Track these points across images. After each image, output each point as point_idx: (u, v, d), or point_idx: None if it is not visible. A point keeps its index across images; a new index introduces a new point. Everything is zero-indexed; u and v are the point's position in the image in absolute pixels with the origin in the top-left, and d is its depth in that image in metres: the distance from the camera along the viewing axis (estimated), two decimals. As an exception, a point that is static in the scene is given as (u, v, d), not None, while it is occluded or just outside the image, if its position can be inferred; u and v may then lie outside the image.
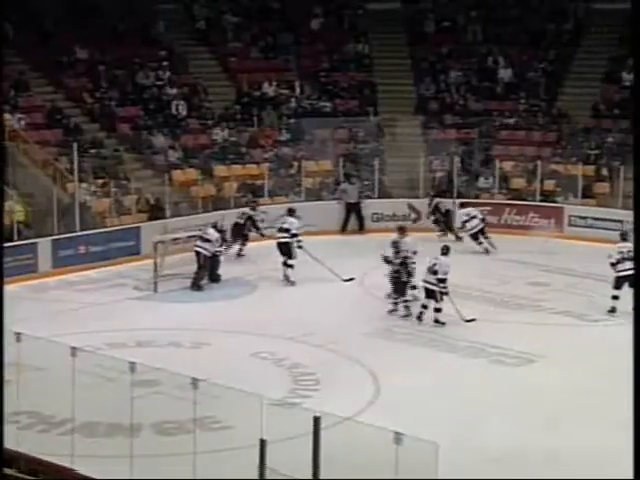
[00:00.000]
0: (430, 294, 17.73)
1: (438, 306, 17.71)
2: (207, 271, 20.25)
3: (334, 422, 10.37)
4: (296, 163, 26.51)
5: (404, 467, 9.18)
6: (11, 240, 21.03)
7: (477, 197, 26.17)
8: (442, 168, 27.06)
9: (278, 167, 26.65)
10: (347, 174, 25.79)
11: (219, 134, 27.08)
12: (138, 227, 22.74)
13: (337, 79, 29.54)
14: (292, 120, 28.05)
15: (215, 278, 20.49)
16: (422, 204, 25.37)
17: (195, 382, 10.69)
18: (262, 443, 9.36)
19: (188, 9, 30.52)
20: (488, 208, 25.29)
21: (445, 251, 17.97)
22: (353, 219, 25.25)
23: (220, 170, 25.99)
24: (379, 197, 25.95)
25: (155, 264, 20.34)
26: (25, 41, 27.04)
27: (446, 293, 17.68)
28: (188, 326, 17.66)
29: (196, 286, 20.02)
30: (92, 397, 12.92)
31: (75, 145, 22.95)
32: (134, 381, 11.35)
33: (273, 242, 23.43)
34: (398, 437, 9.06)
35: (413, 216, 25.52)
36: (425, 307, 17.80)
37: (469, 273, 20.89)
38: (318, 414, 9.10)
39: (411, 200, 25.64)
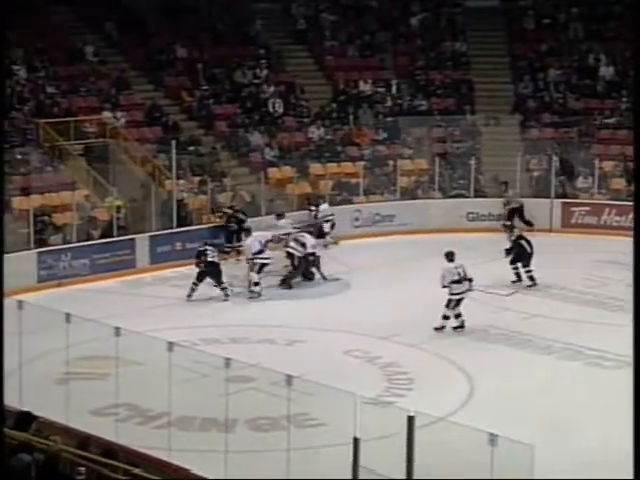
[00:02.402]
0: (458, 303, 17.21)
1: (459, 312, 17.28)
2: (301, 272, 20.40)
3: (428, 422, 10.34)
4: (391, 162, 26.47)
5: (499, 469, 9.10)
6: (110, 236, 21.50)
7: (576, 197, 25.78)
8: (539, 167, 26.73)
9: (373, 166, 26.65)
10: (506, 182, 25.57)
11: (315, 132, 27.19)
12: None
13: (434, 77, 29.40)
14: (388, 119, 28.01)
15: (309, 277, 20.60)
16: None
17: (289, 379, 10.75)
18: (356, 441, 9.37)
19: (286, 8, 30.71)
20: (587, 208, 24.97)
21: (451, 257, 17.47)
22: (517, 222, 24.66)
23: (315, 168, 26.09)
24: (475, 196, 25.74)
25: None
26: (127, 41, 27.59)
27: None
28: (282, 323, 17.79)
29: (286, 284, 20.17)
30: (188, 392, 13.13)
31: (173, 143, 23.31)
32: (229, 377, 11.48)
33: (365, 240, 23.57)
34: (493, 438, 8.99)
35: (509, 216, 25.25)
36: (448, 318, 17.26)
37: (568, 274, 20.62)
38: (412, 413, 9.07)
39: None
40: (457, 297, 17.19)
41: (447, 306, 17.22)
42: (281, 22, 30.43)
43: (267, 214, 23.50)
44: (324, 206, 23.87)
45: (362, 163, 26.21)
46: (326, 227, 23.58)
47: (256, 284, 19.51)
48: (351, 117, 27.86)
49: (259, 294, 19.45)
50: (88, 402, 13.47)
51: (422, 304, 18.77)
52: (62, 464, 7.46)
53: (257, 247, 19.69)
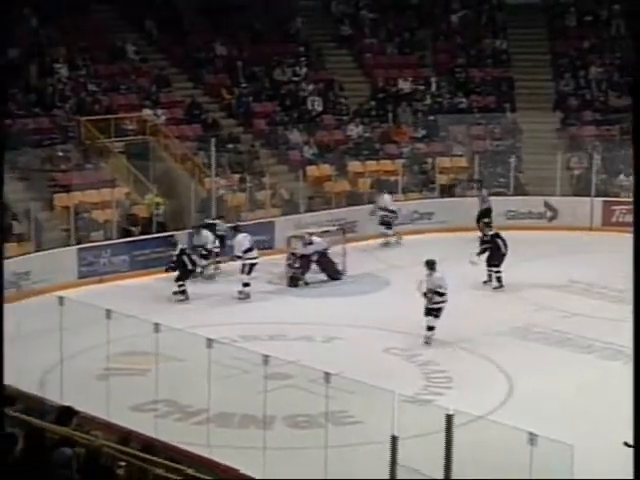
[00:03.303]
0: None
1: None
2: (304, 271, 20.38)
3: (467, 420, 10.31)
4: (430, 160, 26.42)
5: (538, 468, 9.06)
6: (150, 233, 21.63)
7: (617, 195, 25.58)
8: (580, 165, 26.57)
9: (412, 163, 26.61)
10: (480, 180, 25.44)
11: (354, 130, 27.19)
12: (272, 222, 23.03)
13: (474, 75, 29.29)
14: (427, 117, 27.95)
15: (335, 277, 20.59)
16: (559, 202, 24.96)
17: (327, 376, 10.77)
18: (394, 439, 9.37)
19: (326, 6, 30.71)
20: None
21: (433, 265, 16.88)
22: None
23: (354, 166, 26.11)
24: (514, 194, 25.62)
25: (288, 258, 20.58)
26: (167, 39, 27.74)
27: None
28: (320, 320, 17.83)
29: (293, 284, 20.22)
30: (226, 388, 13.19)
31: (213, 140, 23.42)
32: (267, 374, 11.52)
33: (404, 238, 23.53)
34: (532, 437, 8.95)
35: (549, 214, 25.14)
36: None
37: (608, 273, 20.44)
38: (451, 412, 9.06)
39: (548, 198, 25.24)
40: (440, 305, 16.65)
41: (435, 316, 16.61)
42: (321, 20, 30.44)
43: (306, 212, 23.57)
44: (386, 196, 23.64)
45: (401, 161, 26.19)
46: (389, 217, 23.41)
47: (245, 285, 19.36)
48: (390, 115, 27.82)
49: (248, 295, 19.28)
50: (128, 398, 13.58)
51: (462, 302, 18.73)
52: (104, 459, 7.55)
53: (246, 245, 19.62)
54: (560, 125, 27.90)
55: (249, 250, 19.63)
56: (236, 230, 20.35)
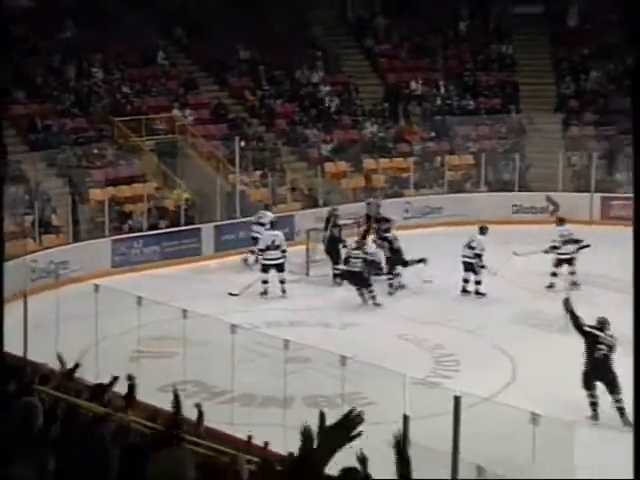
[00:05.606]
0: (468, 267, 18.19)
1: (478, 279, 18.14)
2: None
3: (473, 402, 10.25)
4: (440, 158, 26.33)
5: (540, 446, 9.01)
6: (178, 225, 21.65)
7: (614, 191, 25.41)
8: (580, 163, 26.41)
9: (423, 161, 26.53)
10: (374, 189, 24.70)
11: (368, 129, 27.12)
12: (292, 215, 22.98)
13: (481, 79, 29.16)
14: (437, 117, 27.85)
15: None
16: (560, 197, 24.81)
17: (343, 360, 10.75)
18: (405, 418, 9.32)
19: (342, 14, 30.62)
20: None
21: (483, 231, 18.45)
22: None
23: (369, 163, 26.04)
24: (519, 190, 25.51)
25: (307, 250, 20.53)
26: (194, 45, 27.72)
27: (482, 267, 18.11)
28: (337, 308, 17.78)
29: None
30: (249, 371, 13.18)
31: (237, 139, 23.39)
32: (287, 357, 11.50)
33: (416, 231, 23.43)
34: (535, 417, 8.90)
35: (551, 208, 25.00)
36: (466, 281, 18.24)
37: (606, 262, 20.29)
38: (458, 394, 9.01)
39: (550, 193, 25.11)
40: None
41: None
42: (338, 27, 30.34)
43: (324, 206, 23.51)
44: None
45: (412, 158, 26.10)
46: None
47: (264, 282, 18.50)
48: (401, 115, 27.70)
49: (266, 292, 18.47)
50: (157, 379, 13.57)
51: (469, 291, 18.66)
52: (132, 435, 7.54)
53: (264, 244, 18.73)
54: (562, 125, 27.74)
55: (266, 249, 18.74)
56: (272, 226, 19.73)
